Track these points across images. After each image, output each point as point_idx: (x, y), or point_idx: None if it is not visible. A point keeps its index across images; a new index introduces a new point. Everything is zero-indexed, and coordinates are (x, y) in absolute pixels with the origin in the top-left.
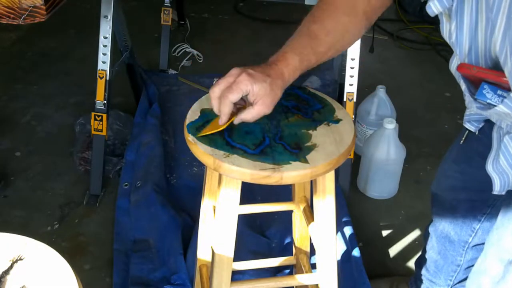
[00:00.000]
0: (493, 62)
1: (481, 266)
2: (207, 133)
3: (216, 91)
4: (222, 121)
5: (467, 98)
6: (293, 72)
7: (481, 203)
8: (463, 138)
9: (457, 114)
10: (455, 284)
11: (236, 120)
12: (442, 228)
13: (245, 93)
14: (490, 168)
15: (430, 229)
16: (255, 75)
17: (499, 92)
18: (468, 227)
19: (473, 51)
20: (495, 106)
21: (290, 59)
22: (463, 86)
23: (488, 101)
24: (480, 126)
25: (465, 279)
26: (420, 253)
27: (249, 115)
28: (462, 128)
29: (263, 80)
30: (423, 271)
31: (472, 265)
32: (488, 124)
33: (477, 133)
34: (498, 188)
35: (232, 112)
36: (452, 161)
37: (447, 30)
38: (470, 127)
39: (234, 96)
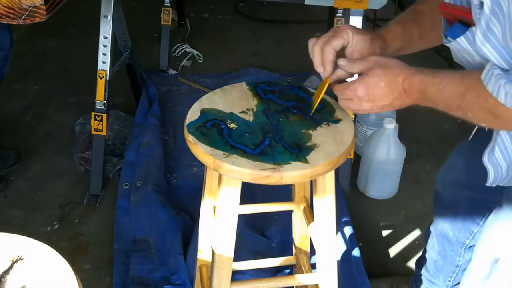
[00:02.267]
0: (468, 5)
1: (471, 265)
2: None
3: (318, 42)
4: (327, 71)
5: None
6: (394, 37)
7: (481, 203)
8: (472, 134)
9: None
10: (454, 286)
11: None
12: (442, 227)
13: (346, 41)
14: (486, 159)
15: (431, 228)
16: (356, 28)
17: (467, 32)
18: (466, 228)
19: None
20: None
21: (392, 27)
22: None
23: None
24: None
25: None
26: (420, 253)
27: (345, 62)
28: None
29: (364, 34)
30: (423, 271)
31: None
32: None
33: (486, 129)
34: (491, 180)
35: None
36: (461, 154)
37: None
38: None
39: (337, 43)
